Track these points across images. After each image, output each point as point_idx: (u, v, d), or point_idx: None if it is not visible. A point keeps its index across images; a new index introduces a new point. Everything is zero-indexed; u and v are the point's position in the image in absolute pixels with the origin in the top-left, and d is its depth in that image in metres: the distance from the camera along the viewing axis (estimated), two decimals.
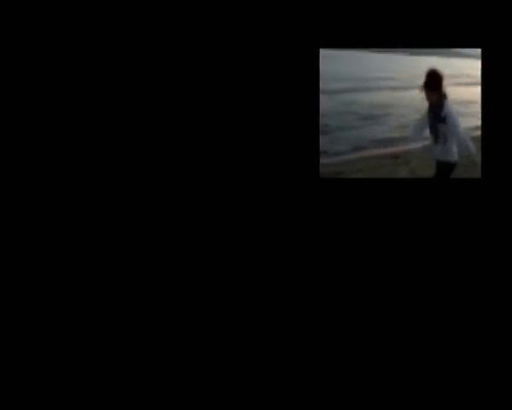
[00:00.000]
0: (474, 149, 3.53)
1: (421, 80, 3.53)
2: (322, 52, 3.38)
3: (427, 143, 3.90)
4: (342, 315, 3.35)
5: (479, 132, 3.44)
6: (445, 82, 3.61)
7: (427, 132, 3.73)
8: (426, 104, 3.62)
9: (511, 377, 3.30)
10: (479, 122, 3.43)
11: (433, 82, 3.57)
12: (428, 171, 3.57)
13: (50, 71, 3.37)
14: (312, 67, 3.36)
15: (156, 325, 3.37)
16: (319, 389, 3.34)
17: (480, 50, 3.40)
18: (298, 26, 3.35)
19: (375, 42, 3.41)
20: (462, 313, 3.35)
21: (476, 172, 3.46)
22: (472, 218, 3.37)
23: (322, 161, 3.19)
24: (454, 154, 3.67)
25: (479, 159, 3.29)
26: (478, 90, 3.49)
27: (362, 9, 3.37)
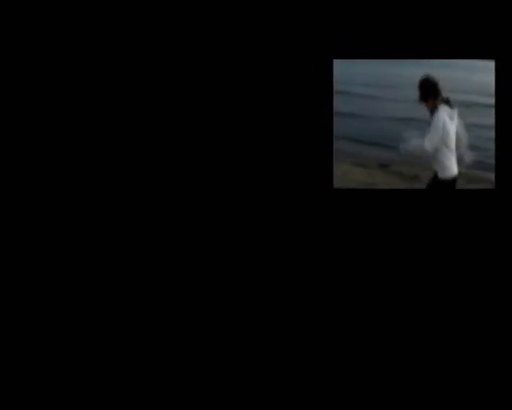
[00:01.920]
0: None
1: None
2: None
3: None
4: (354, 321, 3.33)
5: None
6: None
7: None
8: None
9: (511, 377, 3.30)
10: None
11: (425, 93, 3.23)
12: None
13: (50, 71, 3.37)
14: (326, 77, 3.36)
15: (160, 325, 3.35)
16: (322, 389, 3.32)
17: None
18: (311, 37, 3.36)
19: (387, 52, 3.41)
20: (477, 321, 3.34)
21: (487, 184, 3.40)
22: (486, 228, 3.36)
23: None
24: (440, 167, 3.19)
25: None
26: None
27: (375, 20, 3.37)
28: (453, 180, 3.27)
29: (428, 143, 3.07)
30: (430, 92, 3.22)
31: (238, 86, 3.37)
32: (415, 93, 3.27)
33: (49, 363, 3.33)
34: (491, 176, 3.22)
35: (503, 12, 3.38)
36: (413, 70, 3.44)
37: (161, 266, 3.36)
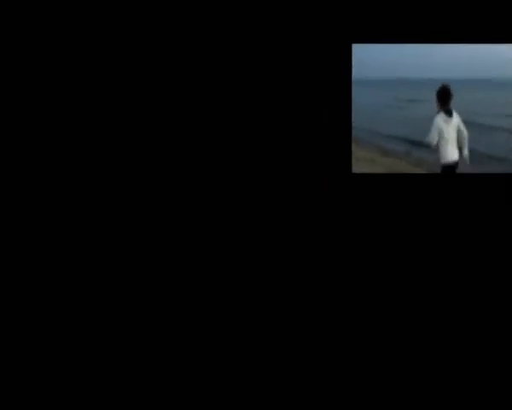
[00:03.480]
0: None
1: None
2: None
3: None
4: (372, 306, 3.32)
5: None
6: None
7: None
8: None
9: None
10: None
11: (442, 96, 3.95)
12: None
13: (50, 71, 3.41)
14: (345, 62, 3.35)
15: (159, 325, 3.38)
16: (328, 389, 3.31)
17: None
18: (330, 22, 3.35)
19: (408, 36, 3.37)
20: (489, 313, 3.29)
21: None
22: (505, 213, 3.30)
23: None
24: (441, 155, 3.91)
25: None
26: None
27: (395, 4, 3.34)
28: (454, 164, 3.86)
29: (428, 138, 3.93)
30: (439, 98, 3.92)
31: (256, 73, 3.39)
32: None
33: (49, 363, 3.37)
34: None
35: None
36: None
37: (175, 261, 3.40)
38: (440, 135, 3.89)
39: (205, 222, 3.40)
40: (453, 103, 4.01)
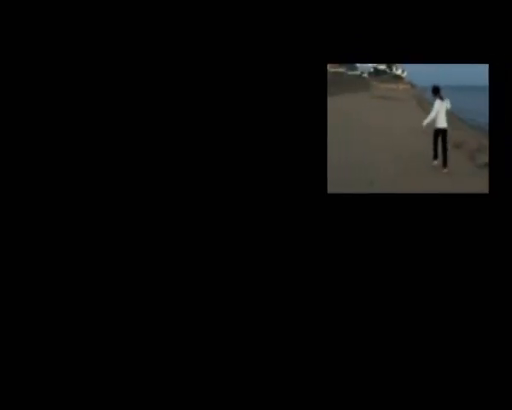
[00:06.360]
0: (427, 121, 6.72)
1: None
2: None
3: None
4: (346, 325, 3.33)
5: None
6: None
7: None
8: None
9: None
10: None
11: (434, 91, 6.68)
12: None
13: (50, 71, 3.36)
14: (320, 81, 3.35)
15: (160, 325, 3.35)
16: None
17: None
18: (306, 42, 3.34)
19: (381, 56, 3.40)
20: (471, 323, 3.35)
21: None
22: (480, 232, 3.35)
23: None
24: (437, 122, 6.58)
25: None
26: None
27: (369, 24, 3.36)
28: (444, 129, 6.46)
29: (431, 115, 6.64)
30: (434, 92, 6.69)
31: (232, 93, 3.36)
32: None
33: (49, 363, 3.33)
34: None
35: (498, 16, 3.37)
36: None
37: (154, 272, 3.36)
38: (437, 111, 6.43)
39: (177, 244, 3.36)
40: None
